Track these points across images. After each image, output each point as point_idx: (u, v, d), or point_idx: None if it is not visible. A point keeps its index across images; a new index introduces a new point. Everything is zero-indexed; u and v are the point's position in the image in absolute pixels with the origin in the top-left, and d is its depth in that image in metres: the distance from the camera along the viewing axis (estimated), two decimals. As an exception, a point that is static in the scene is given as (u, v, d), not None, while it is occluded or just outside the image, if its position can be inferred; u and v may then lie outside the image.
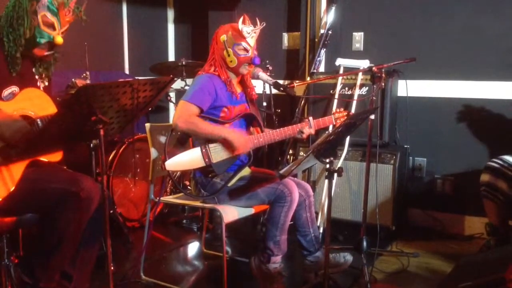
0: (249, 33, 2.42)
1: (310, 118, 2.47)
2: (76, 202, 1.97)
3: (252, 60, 2.44)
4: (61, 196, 1.97)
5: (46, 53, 2.10)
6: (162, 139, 2.67)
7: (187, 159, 2.34)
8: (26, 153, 1.96)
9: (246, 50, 2.44)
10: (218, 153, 2.36)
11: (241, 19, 2.42)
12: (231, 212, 2.41)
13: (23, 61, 2.07)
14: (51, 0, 2.03)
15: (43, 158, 2.08)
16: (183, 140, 2.45)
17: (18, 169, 1.96)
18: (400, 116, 3.53)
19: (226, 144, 2.35)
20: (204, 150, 2.34)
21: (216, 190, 2.42)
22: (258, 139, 2.40)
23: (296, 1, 3.94)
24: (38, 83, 2.16)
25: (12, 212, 2.00)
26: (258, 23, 2.47)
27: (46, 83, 2.21)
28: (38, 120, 1.96)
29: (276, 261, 2.44)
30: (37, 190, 1.99)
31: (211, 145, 2.36)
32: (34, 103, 2.05)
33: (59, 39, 2.06)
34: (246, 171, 2.52)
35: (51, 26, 2.05)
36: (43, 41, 2.06)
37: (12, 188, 1.93)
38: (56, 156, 2.13)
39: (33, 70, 2.16)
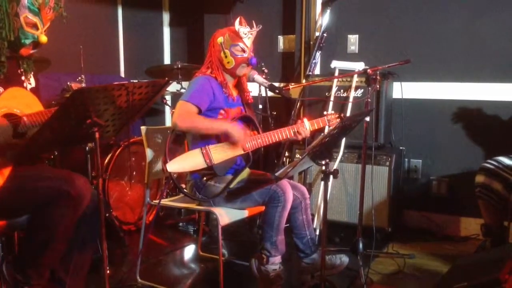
0: (245, 34, 2.43)
1: (305, 119, 2.48)
2: (67, 200, 1.96)
3: (249, 60, 2.45)
4: (51, 194, 1.96)
5: (31, 52, 2.11)
6: (158, 141, 2.67)
7: (189, 160, 2.34)
8: (22, 154, 1.96)
9: (243, 50, 2.45)
10: (219, 154, 2.36)
11: (237, 20, 2.44)
12: (227, 215, 2.41)
13: (9, 62, 2.07)
14: (31, 1, 2.04)
15: None
16: (180, 141, 2.45)
17: (7, 167, 1.95)
18: (395, 118, 3.55)
19: (227, 137, 2.37)
20: (204, 151, 2.35)
21: (212, 192, 2.42)
22: (256, 141, 2.41)
23: (291, 4, 3.95)
24: (25, 84, 2.16)
25: (2, 211, 1.99)
26: (255, 25, 2.48)
27: (33, 84, 2.20)
28: (25, 117, 1.96)
29: (275, 262, 2.44)
30: (27, 188, 1.98)
31: (211, 146, 2.36)
32: (20, 101, 2.05)
33: (43, 38, 2.07)
34: (245, 173, 2.52)
35: (34, 26, 2.06)
36: (28, 42, 2.07)
37: (1, 186, 1.92)
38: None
39: (19, 71, 2.16)
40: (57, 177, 2.02)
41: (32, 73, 2.21)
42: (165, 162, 2.31)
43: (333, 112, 2.55)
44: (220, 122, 2.40)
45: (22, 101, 2.06)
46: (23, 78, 2.17)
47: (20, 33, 2.04)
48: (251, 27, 2.47)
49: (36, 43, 2.09)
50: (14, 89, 2.08)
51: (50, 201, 1.96)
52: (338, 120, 2.49)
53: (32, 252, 2.02)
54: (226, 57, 2.45)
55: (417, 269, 2.87)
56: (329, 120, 2.51)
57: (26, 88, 2.17)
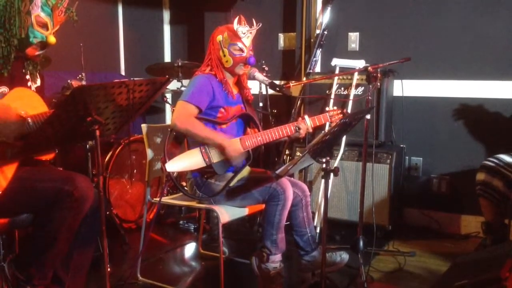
0: (244, 33, 2.43)
1: (306, 116, 2.47)
2: (70, 201, 1.96)
3: (247, 60, 2.44)
4: (54, 195, 1.96)
5: (37, 53, 2.10)
6: (159, 140, 2.67)
7: (188, 160, 2.34)
8: (22, 153, 1.96)
9: (241, 50, 2.44)
10: (217, 153, 2.36)
11: (236, 19, 2.42)
12: (227, 213, 2.41)
13: (14, 62, 2.06)
14: (45, 1, 2.03)
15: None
16: (180, 140, 2.45)
17: (10, 168, 1.95)
18: (396, 116, 3.54)
19: (220, 150, 2.35)
20: (203, 150, 2.34)
21: (212, 190, 2.42)
22: (256, 138, 2.40)
23: (291, 2, 3.95)
24: (29, 84, 2.16)
25: (5, 211, 1.99)
26: (254, 23, 2.47)
27: (38, 83, 2.20)
28: (29, 119, 1.96)
29: (275, 260, 2.44)
30: (30, 189, 1.98)
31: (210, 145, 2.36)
32: (25, 102, 2.05)
33: (52, 39, 2.06)
34: (245, 171, 2.52)
35: (44, 26, 2.06)
36: (36, 40, 2.06)
37: (4, 187, 1.92)
38: (48, 155, 2.13)
39: (23, 70, 2.16)
40: (60, 178, 2.02)
41: (38, 72, 2.21)
42: (164, 162, 2.31)
43: (335, 107, 2.54)
44: (216, 134, 2.38)
45: (27, 102, 2.06)
46: (28, 78, 2.16)
47: (29, 31, 2.04)
48: (251, 25, 2.46)
49: (44, 44, 2.08)
50: (19, 90, 2.08)
51: (53, 202, 1.96)
52: (341, 116, 2.48)
53: (35, 252, 2.02)
54: (224, 56, 2.44)
55: (418, 267, 2.87)
56: (331, 116, 2.50)
57: (30, 88, 2.17)
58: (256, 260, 2.49)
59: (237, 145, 2.36)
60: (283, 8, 4.08)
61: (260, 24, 2.48)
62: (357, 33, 3.72)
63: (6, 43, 2.01)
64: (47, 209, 1.98)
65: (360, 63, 3.26)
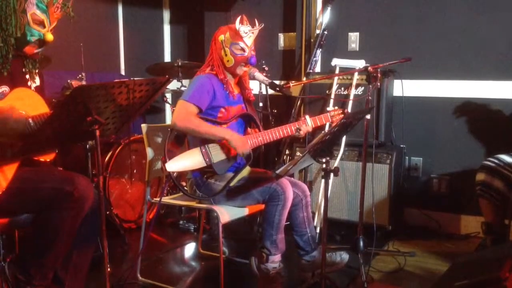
0: (246, 33, 2.43)
1: (307, 116, 2.48)
2: (70, 201, 1.96)
3: (249, 60, 2.44)
4: (55, 195, 1.96)
5: (36, 51, 2.10)
6: (159, 140, 2.67)
7: (188, 159, 2.34)
8: (21, 153, 1.96)
9: (243, 49, 2.44)
10: (218, 153, 2.36)
11: (238, 19, 2.43)
12: (227, 212, 2.41)
13: (13, 61, 2.06)
14: None
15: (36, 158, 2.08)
16: (180, 140, 2.45)
17: (10, 169, 1.95)
18: (396, 116, 3.54)
19: (225, 144, 2.35)
20: (204, 150, 2.35)
21: (212, 190, 2.42)
22: (257, 138, 2.41)
23: (292, 2, 3.95)
24: (29, 83, 2.16)
25: (6, 212, 1.99)
26: (257, 24, 2.47)
27: (38, 83, 2.20)
28: (30, 119, 1.96)
29: (275, 261, 2.44)
30: (30, 190, 1.98)
31: (210, 145, 2.36)
32: (25, 102, 2.04)
33: (49, 36, 2.06)
34: (245, 171, 2.52)
35: (41, 23, 2.05)
36: (33, 39, 2.05)
37: (5, 188, 1.92)
38: (49, 155, 2.13)
39: (23, 69, 2.16)
40: (60, 178, 2.02)
41: (37, 71, 2.20)
42: (164, 162, 2.31)
43: (336, 108, 2.54)
44: (220, 129, 2.39)
45: (27, 102, 2.06)
46: (27, 77, 2.16)
47: (26, 30, 2.03)
48: (253, 25, 2.47)
49: (41, 42, 2.08)
50: (20, 90, 2.07)
51: (53, 203, 1.96)
52: (341, 116, 2.49)
53: (36, 253, 2.02)
54: (226, 55, 2.45)
55: (418, 267, 2.87)
56: (332, 116, 2.51)
57: (30, 87, 2.17)
58: (256, 260, 2.49)
59: (241, 137, 2.37)
60: (283, 8, 4.08)
61: (263, 25, 2.48)
62: (357, 33, 3.72)
63: (3, 42, 2.00)
64: (47, 209, 1.98)
65: (360, 63, 3.26)
